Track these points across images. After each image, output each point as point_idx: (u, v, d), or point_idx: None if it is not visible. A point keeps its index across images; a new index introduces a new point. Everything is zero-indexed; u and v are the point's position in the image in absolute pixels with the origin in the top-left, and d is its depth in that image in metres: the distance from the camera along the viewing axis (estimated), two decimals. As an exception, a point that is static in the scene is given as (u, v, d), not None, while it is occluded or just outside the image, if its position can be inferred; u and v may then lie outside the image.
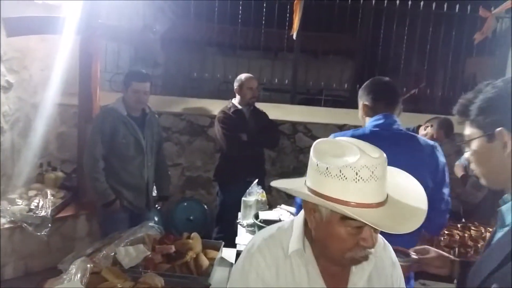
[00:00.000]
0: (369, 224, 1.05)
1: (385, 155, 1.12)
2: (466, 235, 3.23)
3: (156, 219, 4.61)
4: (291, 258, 1.22)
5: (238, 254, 2.75)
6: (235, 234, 3.13)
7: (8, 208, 3.56)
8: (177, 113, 4.98)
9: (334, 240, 1.14)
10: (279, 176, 4.75)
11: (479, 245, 3.02)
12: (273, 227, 1.32)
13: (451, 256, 1.56)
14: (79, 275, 1.85)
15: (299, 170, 4.69)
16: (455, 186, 4.88)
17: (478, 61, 6.91)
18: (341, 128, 4.79)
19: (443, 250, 2.98)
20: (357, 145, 1.11)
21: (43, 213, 3.58)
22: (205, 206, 4.91)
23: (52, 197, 3.79)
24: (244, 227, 3.17)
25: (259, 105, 4.16)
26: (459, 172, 4.10)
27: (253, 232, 3.07)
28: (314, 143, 1.17)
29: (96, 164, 3.18)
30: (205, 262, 2.28)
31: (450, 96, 5.95)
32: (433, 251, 1.56)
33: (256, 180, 3.36)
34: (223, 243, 2.66)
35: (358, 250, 1.13)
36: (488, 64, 6.26)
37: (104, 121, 3.22)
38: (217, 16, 5.54)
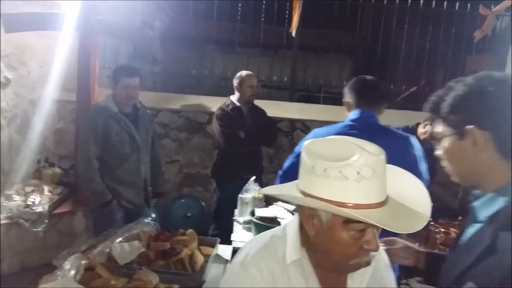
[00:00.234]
0: (381, 226, 0.99)
1: (383, 151, 1.07)
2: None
3: (153, 215, 4.61)
4: (288, 269, 1.14)
5: (234, 251, 2.75)
6: (232, 231, 3.13)
7: (5, 204, 3.56)
8: (176, 109, 4.97)
9: (338, 246, 1.07)
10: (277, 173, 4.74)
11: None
12: (265, 235, 1.23)
13: (417, 247, 1.58)
14: (73, 272, 1.85)
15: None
16: (453, 185, 4.90)
17: (478, 59, 6.89)
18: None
19: (439, 248, 2.99)
20: (354, 143, 1.05)
21: (40, 209, 3.57)
22: (203, 203, 4.92)
23: (49, 193, 3.78)
24: (240, 224, 3.17)
25: (258, 102, 4.16)
26: None
27: (249, 229, 3.06)
28: (305, 144, 1.11)
29: (91, 164, 3.12)
30: (200, 258, 2.28)
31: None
32: (400, 242, 1.54)
33: (253, 177, 3.36)
34: (218, 239, 2.66)
35: (362, 254, 1.07)
36: (488, 62, 6.25)
37: (96, 120, 3.15)
38: (216, 13, 5.53)
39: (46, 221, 3.54)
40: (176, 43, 7.48)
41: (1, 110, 3.81)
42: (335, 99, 6.67)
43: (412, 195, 1.15)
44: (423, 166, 2.24)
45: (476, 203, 1.17)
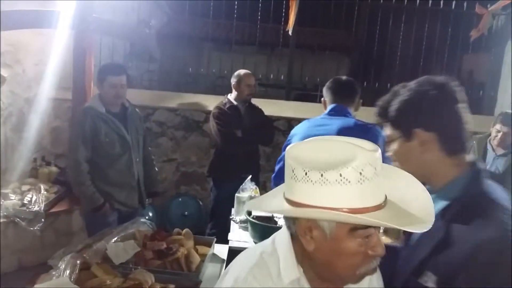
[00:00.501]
0: (400, 227, 0.91)
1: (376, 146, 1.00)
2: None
3: (150, 214, 4.62)
4: None
5: (230, 250, 2.75)
6: (229, 230, 3.12)
7: (1, 203, 3.55)
8: (172, 108, 4.97)
9: (344, 258, 0.97)
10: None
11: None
12: (254, 252, 1.10)
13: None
14: (68, 271, 1.84)
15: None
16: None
17: (475, 58, 6.91)
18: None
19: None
20: (346, 141, 0.97)
21: (36, 208, 3.56)
22: (200, 202, 4.91)
23: (45, 192, 3.77)
24: (237, 223, 3.17)
25: (254, 101, 4.16)
26: None
27: (246, 229, 3.06)
28: (288, 150, 0.99)
29: (80, 168, 3.00)
30: (196, 258, 2.28)
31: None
32: None
33: (250, 176, 3.35)
34: (215, 239, 2.66)
35: (368, 261, 0.98)
36: (484, 61, 6.27)
37: (83, 122, 3.03)
38: (212, 11, 5.52)
39: (43, 220, 3.53)
40: (172, 41, 7.47)
41: (-4, 109, 3.80)
42: (332, 98, 6.67)
43: (408, 195, 1.05)
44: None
45: None
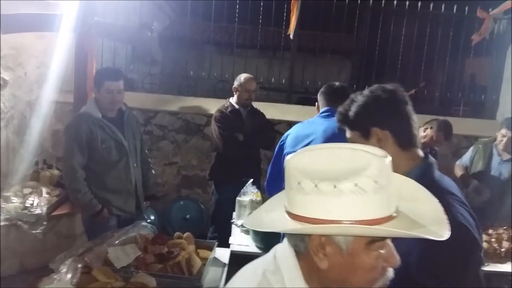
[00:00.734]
0: (425, 236, 0.86)
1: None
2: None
3: (152, 218, 4.62)
4: None
5: (232, 254, 2.75)
6: (230, 234, 3.12)
7: (3, 206, 3.55)
8: (173, 111, 4.97)
9: (361, 273, 0.91)
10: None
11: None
12: (255, 271, 1.01)
13: None
14: (69, 275, 1.84)
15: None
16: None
17: (476, 62, 6.92)
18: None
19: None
20: (355, 148, 0.93)
21: (38, 211, 3.55)
22: (202, 205, 4.91)
23: (47, 195, 3.76)
24: (238, 227, 3.17)
25: (256, 105, 4.16)
26: (458, 172, 4.06)
27: (247, 233, 3.06)
28: (290, 161, 0.93)
29: (75, 175, 2.93)
30: (197, 262, 2.28)
31: (447, 97, 5.95)
32: None
33: (251, 180, 3.35)
34: (216, 243, 2.66)
35: (384, 274, 0.93)
36: (486, 65, 6.27)
37: (78, 128, 2.95)
38: (214, 14, 5.53)
39: (45, 223, 3.52)
40: (174, 44, 7.48)
41: (-2, 112, 3.80)
42: (334, 101, 6.67)
43: (414, 200, 1.01)
44: None
45: None
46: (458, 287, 1.23)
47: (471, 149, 4.11)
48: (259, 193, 3.34)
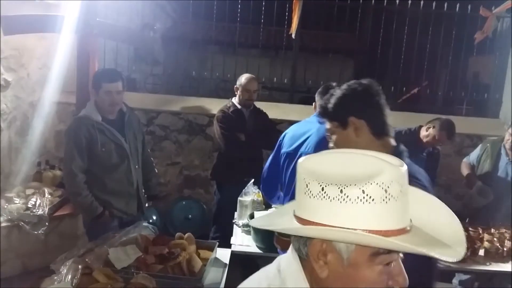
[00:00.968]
0: (431, 254, 0.81)
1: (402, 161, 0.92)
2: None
3: (154, 218, 4.62)
4: None
5: (233, 254, 2.75)
6: (232, 234, 3.12)
7: (6, 207, 3.56)
8: (176, 112, 4.97)
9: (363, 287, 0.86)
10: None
11: (475, 246, 3.01)
12: (259, 283, 0.97)
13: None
14: (70, 276, 1.84)
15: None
16: (455, 187, 4.88)
17: (480, 61, 6.89)
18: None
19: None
20: (370, 154, 0.88)
21: (40, 212, 3.56)
22: (204, 205, 4.91)
23: (49, 196, 3.77)
24: (239, 227, 3.17)
25: (258, 104, 4.15)
26: (464, 170, 4.00)
27: (248, 233, 3.06)
28: (301, 163, 0.90)
29: (75, 179, 2.90)
30: (198, 263, 2.28)
31: (450, 96, 5.93)
32: None
33: (252, 180, 3.35)
34: (217, 243, 2.65)
35: None
36: (489, 64, 6.23)
37: (78, 132, 2.90)
38: (216, 14, 5.52)
39: (47, 223, 3.52)
40: (175, 44, 7.49)
41: (1, 113, 3.81)
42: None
43: (434, 219, 0.94)
44: None
45: None
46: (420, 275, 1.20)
47: (479, 147, 4.04)
48: (260, 193, 3.34)
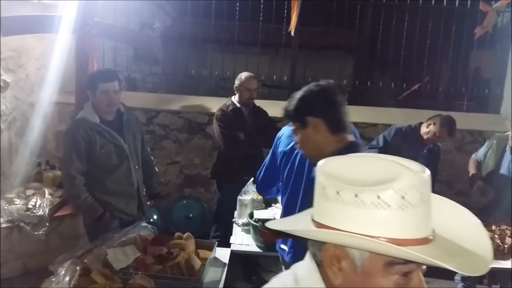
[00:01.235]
0: (451, 268, 0.75)
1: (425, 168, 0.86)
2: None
3: (155, 217, 4.63)
4: None
5: (233, 254, 2.75)
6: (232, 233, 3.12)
7: (6, 208, 3.57)
8: (175, 111, 4.97)
9: None
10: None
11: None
12: None
13: None
14: (68, 278, 1.84)
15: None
16: (456, 183, 4.86)
17: (481, 56, 6.85)
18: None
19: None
20: (389, 159, 0.84)
21: (40, 212, 3.57)
22: (204, 204, 4.90)
23: (49, 196, 3.78)
24: (239, 226, 3.16)
25: (257, 102, 4.14)
26: (471, 169, 3.95)
27: (248, 232, 3.05)
28: (320, 166, 0.88)
29: (74, 182, 2.86)
30: (197, 262, 2.27)
31: (451, 91, 5.91)
32: None
33: (252, 179, 3.34)
34: (216, 243, 2.65)
35: None
36: (490, 58, 6.20)
37: (76, 135, 2.87)
38: (214, 12, 5.51)
39: (47, 224, 3.54)
40: (174, 43, 7.47)
41: (0, 114, 3.82)
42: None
43: (461, 231, 0.89)
44: None
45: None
46: None
47: (486, 143, 4.00)
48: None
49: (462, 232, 0.87)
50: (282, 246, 2.28)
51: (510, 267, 2.87)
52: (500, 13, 4.97)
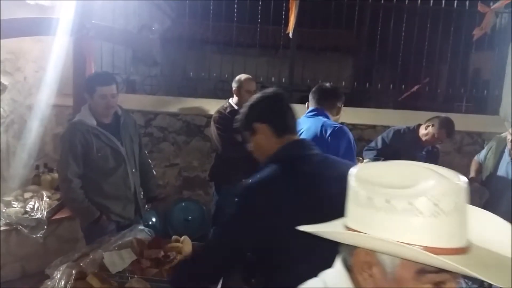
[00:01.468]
0: (486, 279, 0.73)
1: (463, 177, 0.84)
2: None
3: (153, 220, 4.62)
4: None
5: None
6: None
7: (4, 211, 3.56)
8: (174, 113, 4.96)
9: None
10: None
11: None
12: None
13: None
14: (63, 281, 1.83)
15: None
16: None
17: (480, 57, 6.85)
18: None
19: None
20: (423, 166, 0.84)
21: (39, 215, 3.56)
22: (203, 206, 4.90)
23: (48, 199, 3.77)
24: (237, 228, 3.14)
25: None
26: (471, 172, 3.94)
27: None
28: (354, 171, 0.88)
29: (70, 185, 2.85)
30: (193, 266, 2.26)
31: (449, 93, 5.90)
32: None
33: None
34: (214, 245, 2.63)
35: None
36: (489, 60, 6.20)
37: (72, 138, 2.85)
38: (212, 14, 5.51)
39: (45, 227, 3.52)
40: (172, 45, 7.47)
41: (-2, 116, 3.82)
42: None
43: (498, 242, 0.87)
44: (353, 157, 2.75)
45: None
46: None
47: (488, 144, 4.02)
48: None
49: (500, 246, 0.85)
50: None
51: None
52: (499, 14, 4.97)
